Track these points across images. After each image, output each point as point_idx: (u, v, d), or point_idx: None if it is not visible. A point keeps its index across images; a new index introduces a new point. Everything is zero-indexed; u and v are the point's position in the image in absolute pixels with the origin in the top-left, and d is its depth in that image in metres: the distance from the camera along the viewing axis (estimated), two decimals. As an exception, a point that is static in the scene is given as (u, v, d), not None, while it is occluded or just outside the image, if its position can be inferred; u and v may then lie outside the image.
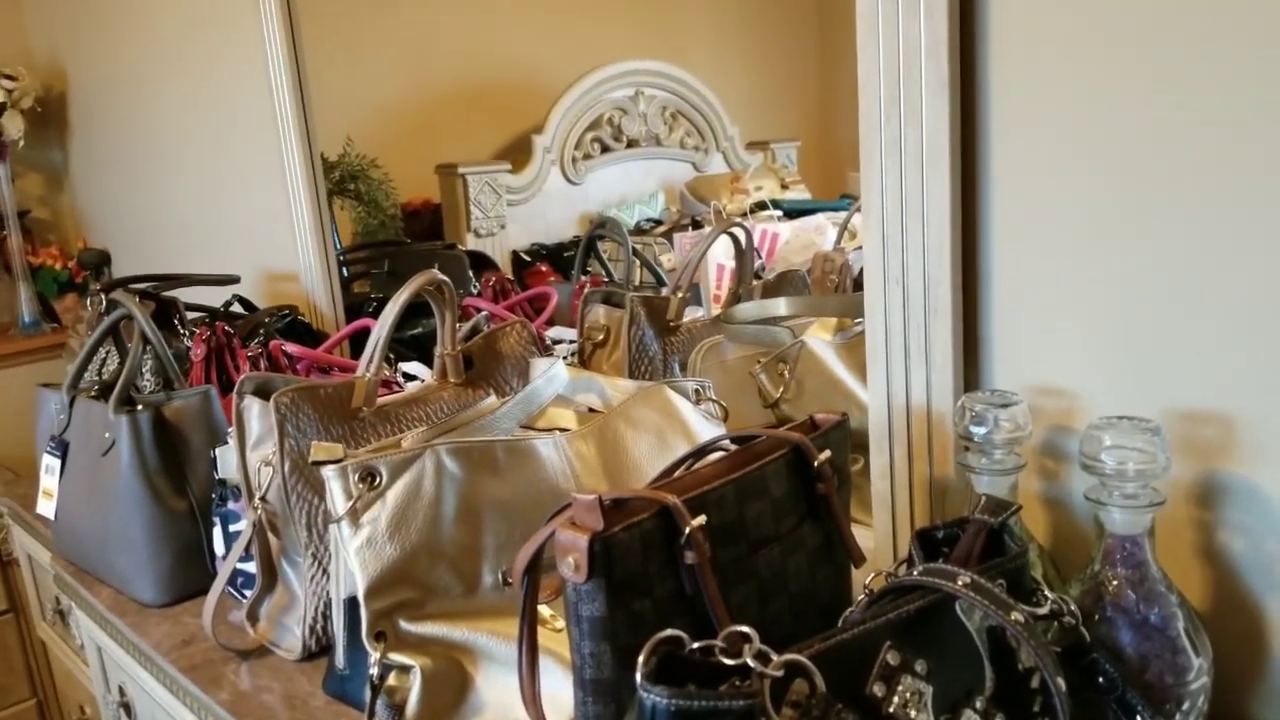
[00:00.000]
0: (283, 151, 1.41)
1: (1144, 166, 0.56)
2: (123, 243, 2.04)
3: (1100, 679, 0.49)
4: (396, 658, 0.63)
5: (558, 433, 0.74)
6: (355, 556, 0.63)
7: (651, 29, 2.02)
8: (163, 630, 0.88)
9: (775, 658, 0.39)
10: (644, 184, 1.97)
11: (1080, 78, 0.57)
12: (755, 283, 1.17)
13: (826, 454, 0.58)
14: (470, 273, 1.49)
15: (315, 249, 1.43)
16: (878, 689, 0.43)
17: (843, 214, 1.36)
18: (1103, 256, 0.59)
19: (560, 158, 1.87)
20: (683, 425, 0.78)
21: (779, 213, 1.58)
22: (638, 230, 1.84)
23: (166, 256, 1.85)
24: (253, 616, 0.81)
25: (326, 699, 0.73)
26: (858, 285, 1.10)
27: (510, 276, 1.54)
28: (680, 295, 1.04)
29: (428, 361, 0.91)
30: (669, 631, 0.39)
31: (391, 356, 1.07)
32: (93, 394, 0.99)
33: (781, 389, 0.92)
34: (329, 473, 0.63)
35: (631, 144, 1.95)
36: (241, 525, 0.83)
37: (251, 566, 0.80)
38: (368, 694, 0.63)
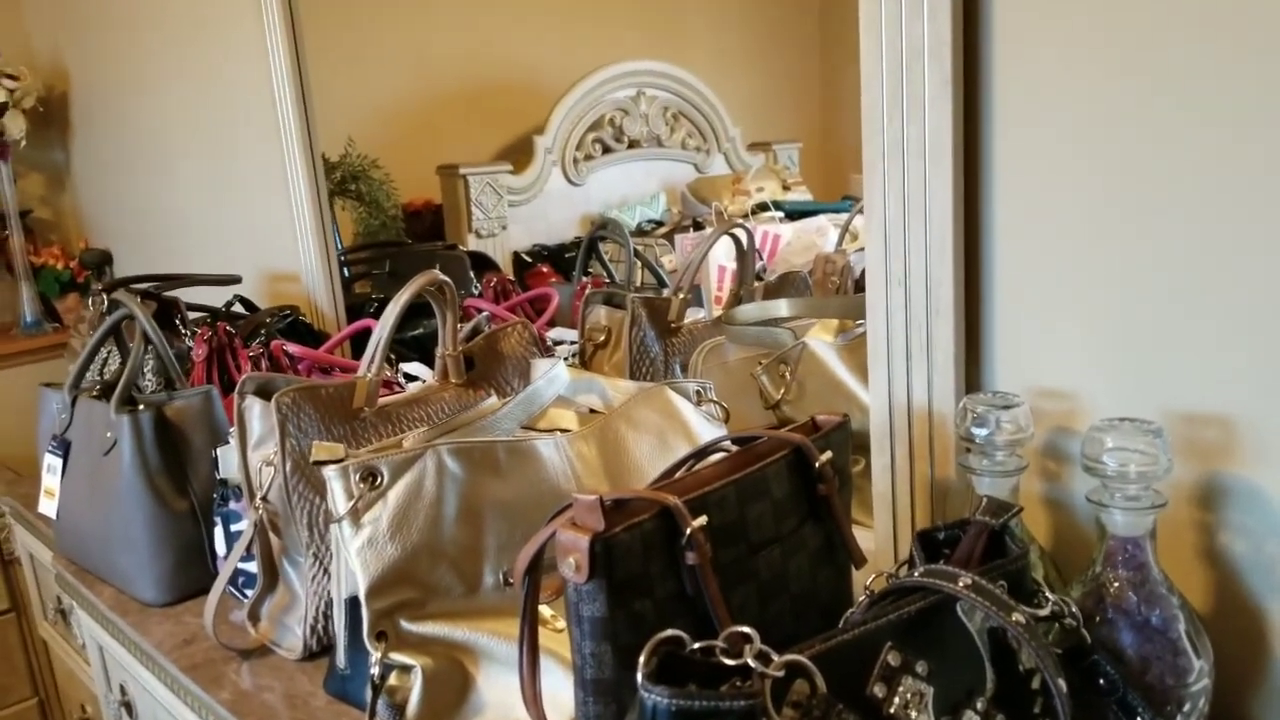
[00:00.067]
0: (284, 152, 1.41)
1: (1145, 167, 0.56)
2: (124, 243, 2.04)
3: (1101, 680, 0.49)
4: (397, 657, 0.63)
5: (559, 433, 0.74)
6: (356, 556, 0.63)
7: (653, 29, 2.02)
8: (164, 630, 0.88)
9: (776, 658, 0.39)
10: (645, 185, 1.97)
11: (1082, 78, 0.58)
12: (756, 284, 1.18)
13: (828, 455, 0.58)
14: (471, 273, 1.49)
15: (316, 249, 1.43)
16: (879, 690, 0.43)
17: (844, 215, 1.36)
18: (1104, 257, 0.59)
19: (561, 158, 1.87)
20: (684, 426, 0.78)
21: (780, 214, 1.58)
22: (639, 231, 1.84)
23: (168, 256, 1.85)
24: (254, 616, 0.81)
25: (328, 698, 0.73)
26: (859, 287, 1.10)
27: (511, 277, 1.54)
28: (681, 296, 1.04)
29: (429, 362, 0.91)
30: (670, 632, 0.39)
31: (392, 357, 1.07)
32: (94, 394, 1.00)
33: (783, 390, 0.92)
34: (330, 473, 0.63)
35: (633, 145, 1.95)
36: (243, 525, 0.83)
37: (253, 566, 0.80)
38: (369, 694, 0.63)
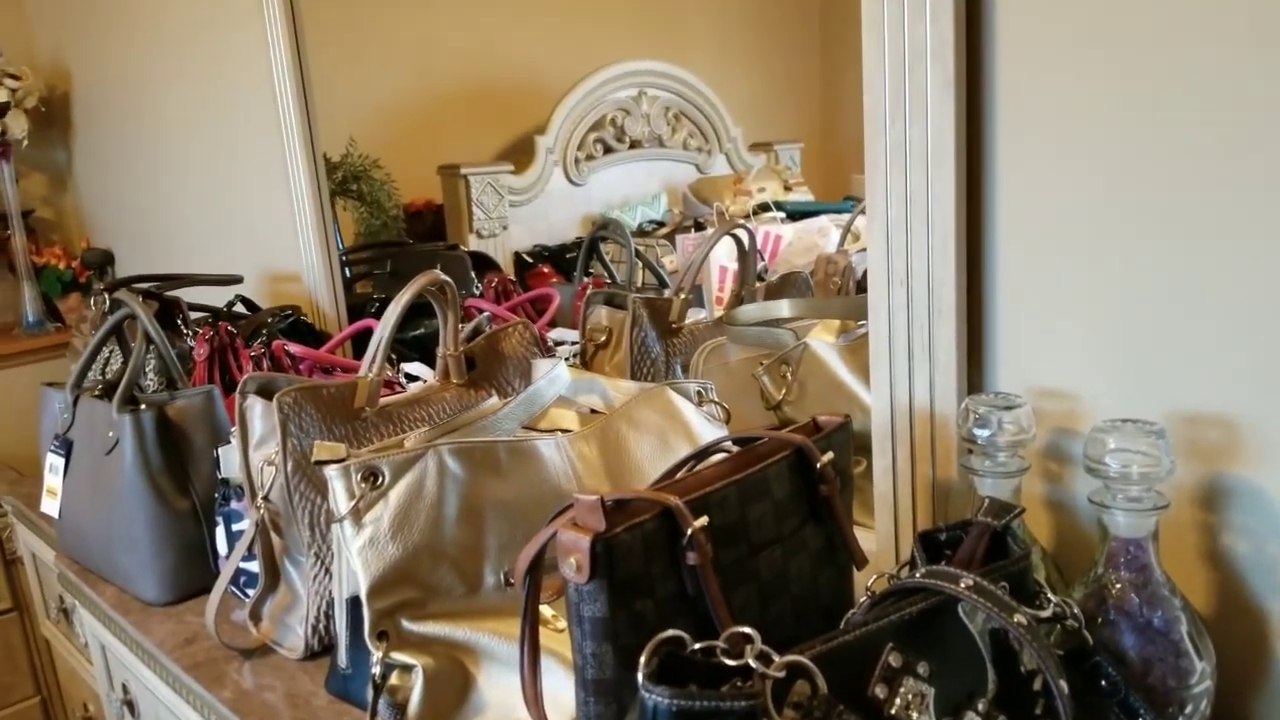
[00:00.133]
0: (286, 152, 1.41)
1: (1146, 167, 0.56)
2: (126, 243, 2.05)
3: (1103, 682, 0.49)
4: (399, 657, 0.63)
5: (560, 434, 0.74)
6: (358, 556, 0.63)
7: (654, 29, 2.02)
8: (166, 629, 0.88)
9: (777, 659, 0.39)
10: (647, 185, 1.97)
11: (1083, 79, 0.57)
12: (758, 285, 1.18)
13: (829, 456, 0.58)
14: (472, 273, 1.49)
15: (318, 249, 1.43)
16: (880, 691, 0.43)
17: (845, 216, 1.36)
18: (1106, 258, 0.59)
19: (563, 159, 1.87)
20: (685, 427, 0.78)
21: (782, 214, 1.58)
22: (640, 232, 1.84)
23: (169, 256, 1.85)
24: (255, 616, 0.81)
25: (329, 698, 0.73)
26: (860, 287, 1.10)
27: (512, 277, 1.54)
28: (683, 297, 1.04)
29: (430, 362, 0.91)
30: (671, 632, 0.39)
31: (394, 357, 1.07)
32: (96, 393, 1.00)
33: (784, 391, 0.92)
34: (331, 472, 0.63)
35: (634, 145, 1.95)
36: (244, 525, 0.83)
37: (254, 566, 0.80)
38: (370, 693, 0.63)
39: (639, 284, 1.51)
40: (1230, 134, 0.53)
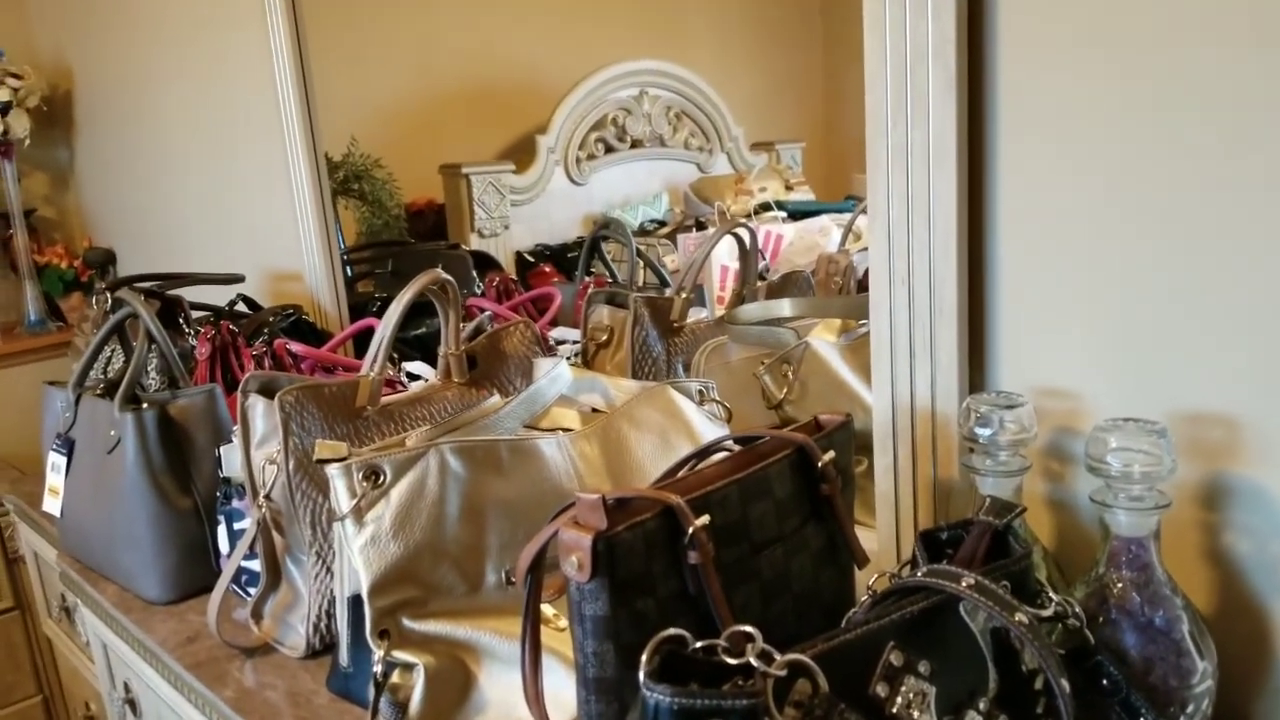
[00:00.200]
0: (287, 151, 1.41)
1: (1147, 167, 0.56)
2: (128, 242, 2.05)
3: (1104, 681, 0.49)
4: (400, 656, 0.63)
5: (561, 433, 0.74)
6: (359, 554, 0.63)
7: (656, 29, 2.02)
8: (168, 627, 0.88)
9: (778, 657, 0.39)
10: (648, 185, 1.97)
11: (1084, 79, 0.57)
12: (759, 284, 1.17)
13: (830, 455, 0.58)
14: (474, 273, 1.49)
15: (319, 249, 1.43)
16: (881, 689, 0.43)
17: (847, 215, 1.36)
18: (1107, 257, 0.59)
19: (564, 158, 1.87)
20: (686, 426, 0.78)
21: (783, 214, 1.58)
22: (641, 231, 1.84)
23: (171, 256, 1.85)
24: (257, 614, 0.81)
25: (330, 696, 0.73)
26: (862, 287, 1.10)
27: (514, 277, 1.54)
28: (684, 296, 1.04)
29: (431, 361, 0.91)
30: (672, 630, 0.39)
31: (395, 356, 1.07)
32: (98, 392, 1.00)
33: (785, 390, 0.92)
34: (333, 471, 0.63)
35: (636, 144, 1.95)
36: (246, 523, 0.83)
37: (256, 564, 0.80)
38: (371, 692, 0.63)
39: (640, 283, 1.51)
40: (1230, 134, 0.53)
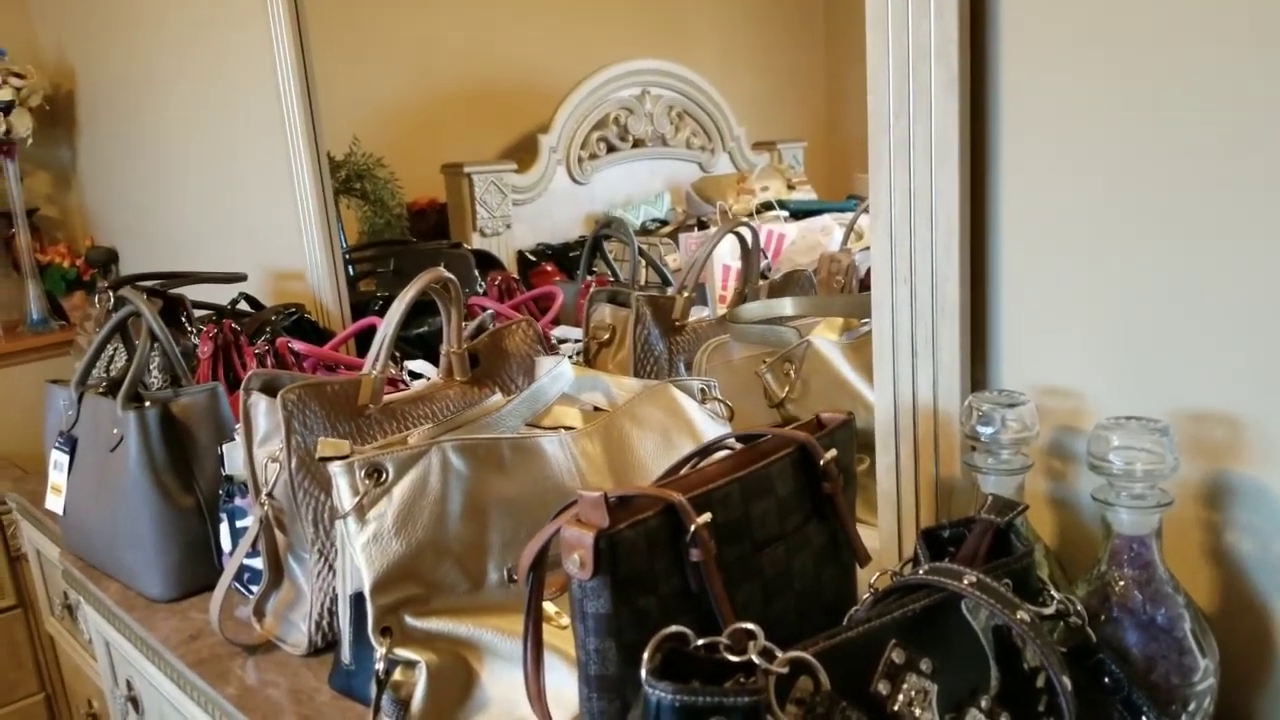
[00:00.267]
0: (289, 151, 1.42)
1: (1147, 166, 0.56)
2: (130, 241, 2.05)
3: (1106, 679, 0.49)
4: (402, 653, 0.63)
5: (563, 431, 0.74)
6: (361, 552, 0.63)
7: (658, 28, 2.02)
8: (170, 625, 0.89)
9: (780, 655, 0.39)
10: (650, 184, 1.97)
11: (1086, 79, 0.57)
12: (761, 283, 1.17)
13: (832, 453, 0.58)
14: (476, 272, 1.49)
15: (321, 247, 1.43)
16: (883, 687, 0.43)
17: (849, 215, 1.36)
18: (1110, 257, 0.59)
19: (566, 157, 1.87)
20: (688, 424, 0.79)
21: (785, 213, 1.58)
22: (643, 231, 1.84)
23: (173, 255, 1.86)
24: (259, 612, 0.81)
25: (332, 694, 0.73)
26: (864, 286, 1.10)
27: (515, 276, 1.54)
28: (686, 295, 1.04)
29: (434, 360, 0.91)
30: (674, 628, 0.39)
31: (397, 355, 1.07)
32: (101, 390, 1.00)
33: (787, 389, 0.92)
34: (335, 469, 0.63)
35: (638, 144, 1.95)
36: (248, 521, 0.83)
37: (258, 562, 0.80)
38: (374, 689, 0.64)
39: (642, 282, 1.51)
40: (1230, 134, 0.53)
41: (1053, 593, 0.50)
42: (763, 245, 1.33)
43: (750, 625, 0.39)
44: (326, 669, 0.75)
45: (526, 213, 1.81)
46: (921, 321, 0.65)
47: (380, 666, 0.63)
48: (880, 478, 0.71)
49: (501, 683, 0.65)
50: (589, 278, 1.49)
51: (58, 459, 1.04)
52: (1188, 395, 0.57)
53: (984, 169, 0.63)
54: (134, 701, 1.06)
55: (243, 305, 1.40)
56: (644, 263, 1.54)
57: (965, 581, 0.45)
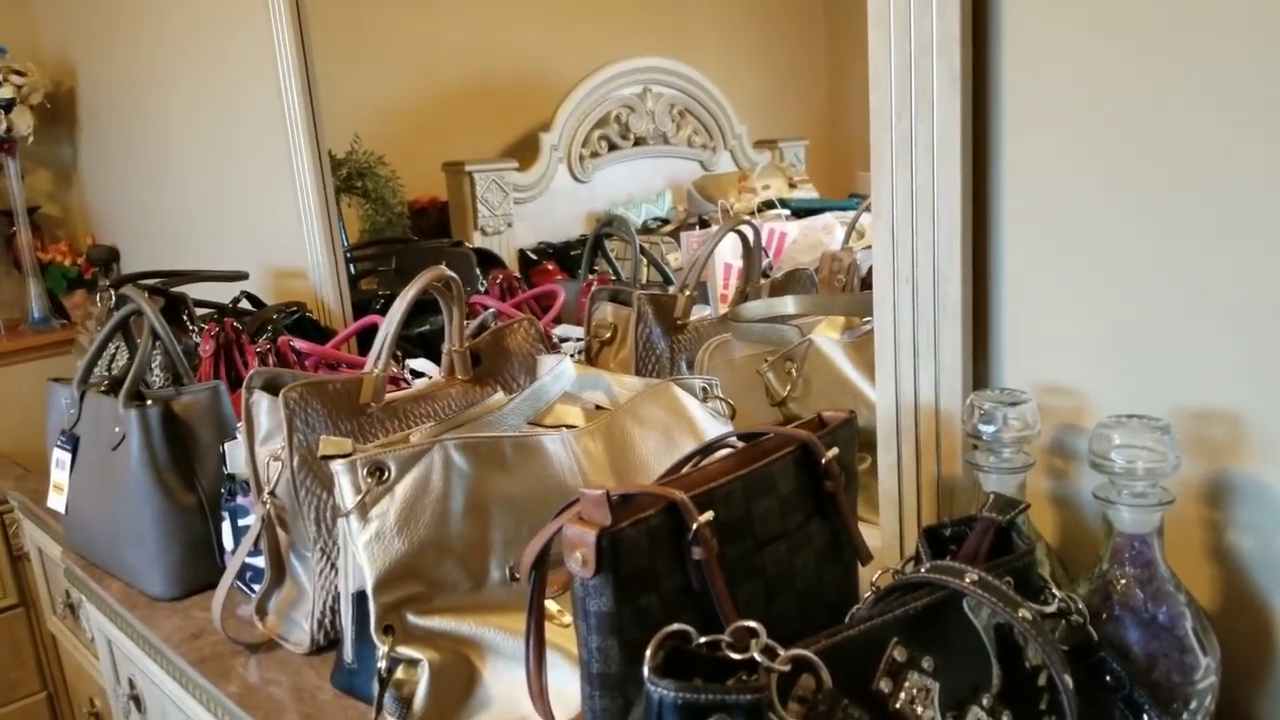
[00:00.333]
0: (291, 149, 1.42)
1: (1148, 165, 0.56)
2: (131, 239, 2.05)
3: (1107, 677, 0.49)
4: (404, 651, 0.63)
5: (565, 429, 0.74)
6: (364, 550, 0.63)
7: (659, 26, 2.02)
8: (172, 623, 0.89)
9: (782, 652, 0.39)
10: (651, 182, 1.97)
11: (1088, 77, 0.57)
12: (762, 282, 1.17)
13: (834, 452, 0.58)
14: (477, 270, 1.49)
15: (323, 246, 1.43)
16: (884, 685, 0.43)
17: (850, 213, 1.36)
18: (1112, 256, 0.59)
19: (567, 156, 1.87)
20: (690, 423, 0.79)
21: (787, 212, 1.58)
22: (645, 229, 1.84)
23: (175, 253, 1.86)
24: (261, 610, 0.81)
25: (335, 692, 0.73)
26: (865, 284, 1.10)
27: (517, 274, 1.54)
28: (687, 293, 1.04)
29: (435, 359, 0.91)
30: (676, 626, 0.39)
31: (399, 354, 1.07)
32: (103, 389, 1.00)
33: (789, 387, 0.92)
34: (337, 467, 0.63)
35: (639, 142, 1.95)
36: (250, 520, 0.84)
37: (260, 561, 0.80)
38: (376, 687, 0.64)
39: (644, 281, 1.51)
40: (1231, 133, 0.53)
41: (1054, 591, 0.50)
42: (764, 244, 1.33)
43: (752, 623, 0.39)
44: (329, 667, 0.75)
45: (528, 211, 1.81)
46: (923, 320, 0.65)
47: (383, 665, 0.63)
48: (882, 476, 0.71)
49: (504, 681, 0.65)
50: (590, 276, 1.49)
51: (59, 457, 1.04)
52: (1189, 393, 0.57)
53: (985, 167, 0.63)
54: (136, 700, 1.06)
55: (244, 304, 1.40)
56: (645, 261, 1.54)
57: (967, 580, 0.45)
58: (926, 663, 0.44)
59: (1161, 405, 0.58)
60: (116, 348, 1.24)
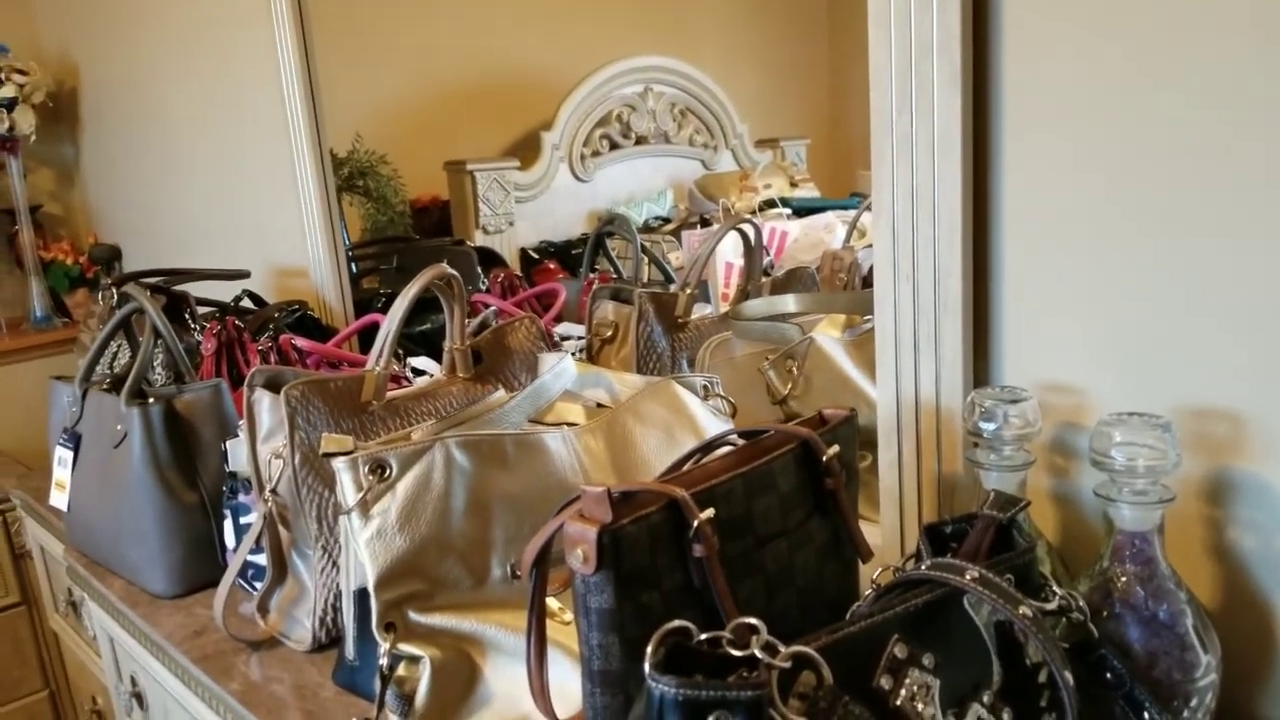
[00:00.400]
0: (293, 149, 1.42)
1: (1148, 164, 0.56)
2: (133, 238, 2.05)
3: (1108, 675, 0.49)
4: (406, 648, 0.63)
5: (566, 427, 0.74)
6: (365, 548, 0.63)
7: (661, 25, 2.02)
8: (174, 621, 0.89)
9: (783, 649, 0.39)
10: (653, 181, 1.97)
11: (1089, 76, 0.57)
12: (764, 280, 1.17)
13: (835, 449, 0.58)
14: (479, 269, 1.49)
15: (324, 245, 1.44)
16: (885, 682, 0.43)
17: (852, 212, 1.36)
18: (1113, 253, 0.59)
19: (569, 155, 1.87)
20: (691, 421, 0.79)
21: (788, 211, 1.58)
22: (646, 228, 1.84)
23: (177, 252, 1.86)
24: (263, 608, 0.81)
25: (336, 689, 0.73)
26: (866, 283, 1.10)
27: (519, 273, 1.54)
28: (689, 292, 1.04)
29: (436, 357, 0.91)
30: (677, 622, 0.39)
31: (401, 352, 1.07)
32: (105, 387, 1.00)
33: (790, 386, 0.92)
34: (339, 464, 0.63)
35: (640, 141, 1.95)
36: (252, 518, 0.84)
37: (262, 559, 0.81)
38: (377, 684, 0.64)
39: (645, 280, 1.51)
40: (1232, 131, 0.53)
41: (1055, 588, 0.50)
42: (765, 243, 1.33)
43: (753, 620, 0.39)
44: (330, 665, 0.75)
45: (529, 210, 1.82)
46: (924, 318, 0.65)
47: (384, 662, 0.63)
48: (882, 474, 0.71)
49: (505, 678, 0.65)
50: (592, 275, 1.49)
51: (62, 455, 1.05)
52: (1190, 391, 0.57)
53: (986, 165, 0.63)
54: (138, 698, 1.07)
55: (246, 302, 1.41)
56: (647, 260, 1.55)
57: (967, 577, 0.45)
58: (927, 660, 0.44)
59: (1162, 403, 0.58)
60: (119, 346, 1.24)
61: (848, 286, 1.16)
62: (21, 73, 1.98)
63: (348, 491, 0.63)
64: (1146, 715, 0.49)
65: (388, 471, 0.64)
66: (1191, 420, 0.57)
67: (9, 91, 1.95)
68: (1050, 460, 0.64)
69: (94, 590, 1.01)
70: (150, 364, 1.05)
